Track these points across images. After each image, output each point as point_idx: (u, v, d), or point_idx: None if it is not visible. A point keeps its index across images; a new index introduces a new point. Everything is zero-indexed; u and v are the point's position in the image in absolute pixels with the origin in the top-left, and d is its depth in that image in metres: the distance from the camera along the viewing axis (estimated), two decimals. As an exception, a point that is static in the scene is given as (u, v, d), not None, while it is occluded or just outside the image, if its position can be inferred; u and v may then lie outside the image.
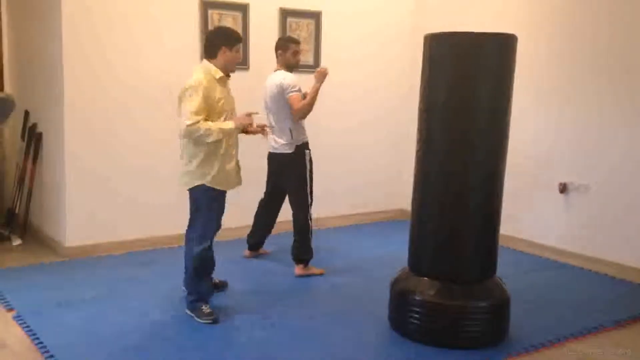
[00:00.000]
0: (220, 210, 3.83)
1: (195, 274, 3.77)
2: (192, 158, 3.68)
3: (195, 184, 3.71)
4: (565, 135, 5.19)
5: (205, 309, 3.73)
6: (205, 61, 3.75)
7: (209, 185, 3.69)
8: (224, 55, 3.69)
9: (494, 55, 3.37)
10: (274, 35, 5.38)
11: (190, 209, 3.90)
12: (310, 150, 4.58)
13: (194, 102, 3.50)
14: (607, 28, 4.87)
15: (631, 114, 4.74)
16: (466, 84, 3.37)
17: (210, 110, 3.58)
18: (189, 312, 3.78)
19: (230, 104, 3.76)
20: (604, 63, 4.89)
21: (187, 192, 3.82)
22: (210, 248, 3.78)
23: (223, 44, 3.69)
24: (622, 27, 4.77)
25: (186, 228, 3.95)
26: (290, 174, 4.57)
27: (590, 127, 5.01)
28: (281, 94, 4.41)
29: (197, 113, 3.50)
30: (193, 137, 3.54)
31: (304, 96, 4.44)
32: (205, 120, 3.54)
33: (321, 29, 5.89)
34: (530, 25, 5.31)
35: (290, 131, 4.45)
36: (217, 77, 3.66)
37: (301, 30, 5.75)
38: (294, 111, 4.39)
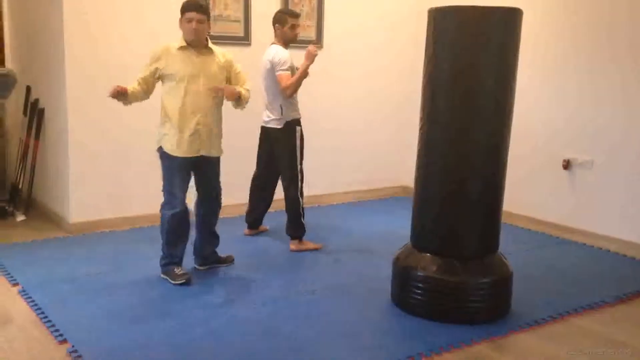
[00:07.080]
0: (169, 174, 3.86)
1: (164, 238, 3.92)
2: None
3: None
4: (570, 111, 5.16)
5: (178, 270, 3.90)
6: None
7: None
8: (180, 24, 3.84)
9: (499, 29, 3.33)
10: (275, 10, 5.31)
11: None
12: (301, 127, 4.57)
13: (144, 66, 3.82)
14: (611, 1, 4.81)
15: (636, 90, 4.71)
16: (470, 58, 3.33)
17: (161, 77, 3.81)
18: (163, 276, 3.95)
19: (184, 71, 3.75)
20: (609, 37, 4.84)
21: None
22: (177, 213, 3.84)
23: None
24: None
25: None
26: (279, 150, 4.58)
27: (594, 103, 4.98)
28: (272, 70, 4.40)
29: (138, 78, 3.78)
30: None
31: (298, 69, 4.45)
32: (140, 83, 3.78)
33: (323, 4, 5.82)
34: (535, -1, 5.25)
35: (281, 107, 4.46)
36: (178, 46, 3.79)
37: (303, 4, 5.68)
38: (281, 89, 4.39)
